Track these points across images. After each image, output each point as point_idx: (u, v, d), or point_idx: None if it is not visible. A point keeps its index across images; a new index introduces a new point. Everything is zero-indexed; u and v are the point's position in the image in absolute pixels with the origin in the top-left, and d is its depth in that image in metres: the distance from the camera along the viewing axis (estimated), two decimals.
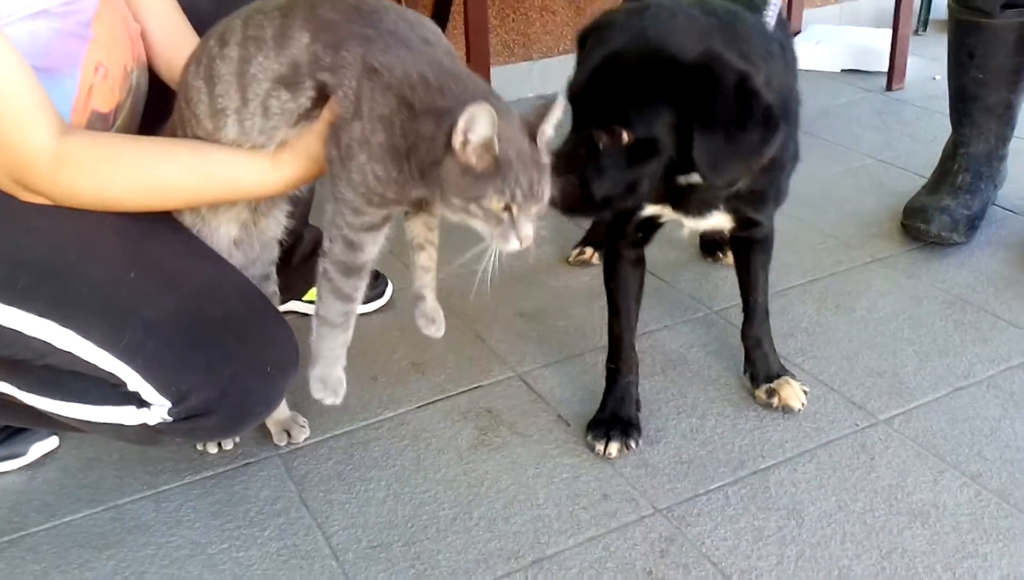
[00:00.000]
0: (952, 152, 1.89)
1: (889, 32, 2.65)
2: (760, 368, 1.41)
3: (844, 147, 2.29)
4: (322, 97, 0.98)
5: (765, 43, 1.09)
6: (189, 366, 1.03)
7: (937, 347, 1.51)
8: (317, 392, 1.09)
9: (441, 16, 2.49)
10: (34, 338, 1.01)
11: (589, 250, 1.82)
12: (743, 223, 1.28)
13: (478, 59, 2.15)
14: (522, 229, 0.94)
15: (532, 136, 0.94)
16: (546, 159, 0.96)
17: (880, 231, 1.88)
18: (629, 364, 1.35)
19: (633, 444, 1.30)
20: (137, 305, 1.02)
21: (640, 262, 1.35)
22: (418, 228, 1.14)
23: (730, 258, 1.69)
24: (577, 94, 1.07)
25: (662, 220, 1.27)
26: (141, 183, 1.05)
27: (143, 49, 1.20)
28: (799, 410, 1.37)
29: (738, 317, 1.61)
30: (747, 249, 1.38)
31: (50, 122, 0.99)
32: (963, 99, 1.85)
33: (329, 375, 1.09)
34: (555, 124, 0.95)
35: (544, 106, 0.95)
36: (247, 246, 1.18)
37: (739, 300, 1.64)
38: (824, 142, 2.33)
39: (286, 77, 0.98)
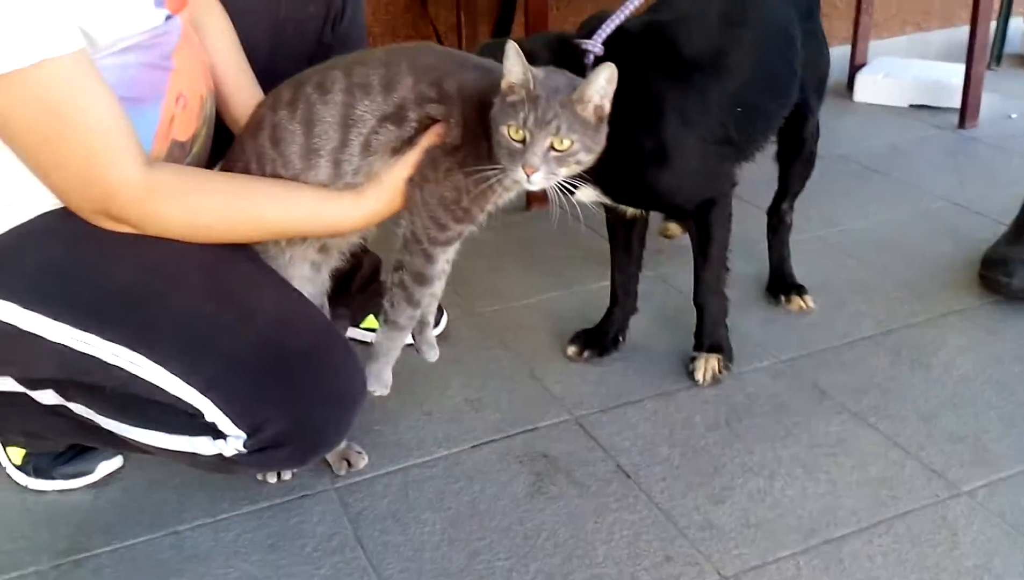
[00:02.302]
0: None
1: (960, 66, 2.56)
2: (697, 335, 1.53)
3: (915, 187, 2.21)
4: (422, 128, 1.08)
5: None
6: (265, 399, 1.03)
7: (1022, 413, 1.43)
8: (372, 385, 1.17)
9: (504, 23, 2.44)
10: (115, 366, 1.02)
11: (673, 225, 1.97)
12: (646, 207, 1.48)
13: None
14: (528, 156, 1.02)
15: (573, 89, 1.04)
16: (582, 110, 1.04)
17: (956, 280, 1.80)
18: (613, 297, 1.60)
19: (587, 353, 1.57)
20: (216, 337, 1.03)
21: (629, 221, 1.53)
22: None
23: (795, 303, 1.74)
24: None
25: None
26: (231, 214, 1.07)
27: (212, 79, 1.20)
28: (699, 382, 1.49)
29: (808, 368, 1.55)
30: (689, 228, 1.51)
31: (137, 154, 1.00)
32: None
33: (384, 372, 1.20)
34: (599, 88, 1.04)
35: (593, 72, 1.05)
36: (317, 279, 1.22)
37: (811, 349, 1.59)
38: (893, 181, 2.25)
39: (393, 115, 1.08)
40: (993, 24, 2.94)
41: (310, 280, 1.19)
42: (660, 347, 1.62)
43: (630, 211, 1.50)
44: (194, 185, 1.05)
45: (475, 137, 1.08)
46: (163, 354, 1.00)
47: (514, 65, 1.02)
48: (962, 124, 2.55)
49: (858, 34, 2.86)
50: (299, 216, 1.09)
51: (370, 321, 1.58)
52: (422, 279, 1.16)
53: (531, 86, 1.02)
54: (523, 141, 1.03)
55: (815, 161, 1.72)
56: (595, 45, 1.28)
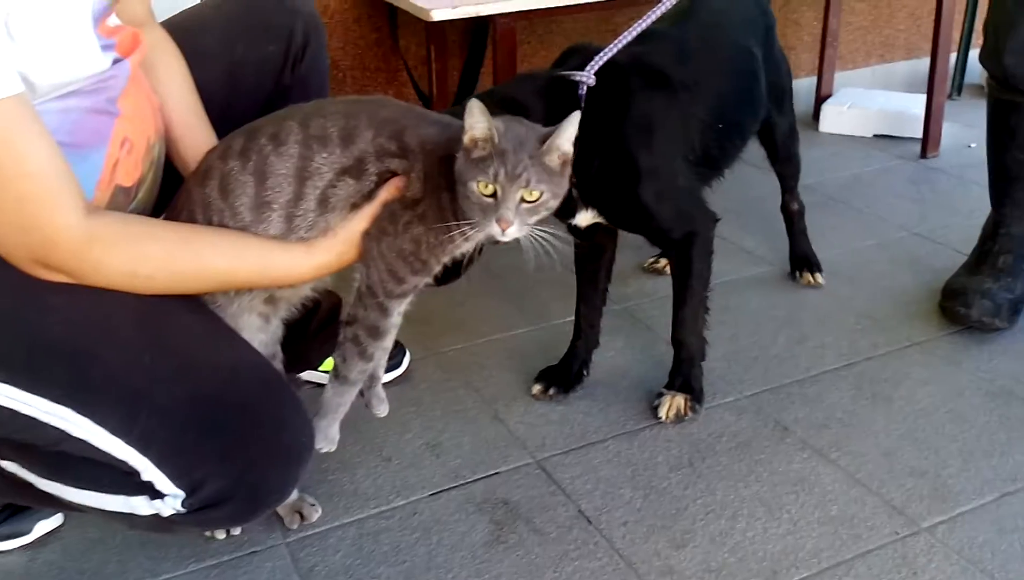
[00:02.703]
0: (992, 232, 1.82)
1: (923, 97, 2.59)
2: (671, 373, 1.54)
3: (878, 218, 2.23)
4: (381, 182, 1.07)
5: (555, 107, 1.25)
6: (203, 455, 0.99)
7: (981, 446, 1.43)
8: (319, 442, 1.15)
9: (470, 77, 2.46)
10: (48, 424, 0.98)
11: (663, 261, 1.97)
12: (635, 230, 1.49)
13: None
14: (500, 210, 1.02)
15: (543, 141, 1.04)
16: (549, 160, 1.04)
17: (918, 311, 1.81)
18: (578, 332, 1.62)
19: (552, 391, 1.57)
20: (152, 391, 0.99)
21: (597, 254, 1.58)
22: None
23: (805, 278, 1.94)
24: None
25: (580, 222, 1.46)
26: (174, 263, 1.04)
27: (162, 122, 1.18)
28: (663, 419, 1.50)
29: (771, 404, 1.55)
30: (670, 260, 1.57)
31: (77, 201, 0.97)
32: (1004, 179, 1.79)
33: (331, 427, 1.18)
34: (569, 138, 1.05)
35: (563, 122, 1.06)
36: (268, 328, 1.19)
37: (774, 384, 1.59)
38: (857, 212, 2.27)
39: (352, 168, 1.07)
40: (954, 56, 2.99)
41: (260, 329, 1.17)
42: (625, 383, 1.62)
43: (602, 236, 1.53)
44: (136, 233, 1.02)
45: (436, 191, 1.08)
46: (97, 410, 0.97)
47: (478, 120, 1.02)
48: (924, 154, 2.58)
49: (823, 66, 2.89)
50: (246, 267, 1.07)
51: (328, 363, 1.56)
52: (376, 333, 1.15)
53: (496, 140, 1.02)
54: (494, 195, 1.03)
55: (799, 158, 1.89)
56: (588, 77, 1.33)
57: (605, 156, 1.35)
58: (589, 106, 1.32)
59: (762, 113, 1.65)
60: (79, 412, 0.96)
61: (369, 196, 1.08)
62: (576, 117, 1.06)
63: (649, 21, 1.40)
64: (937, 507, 1.30)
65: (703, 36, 1.51)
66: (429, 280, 1.15)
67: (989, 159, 1.82)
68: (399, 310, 1.16)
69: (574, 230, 1.48)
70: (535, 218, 1.06)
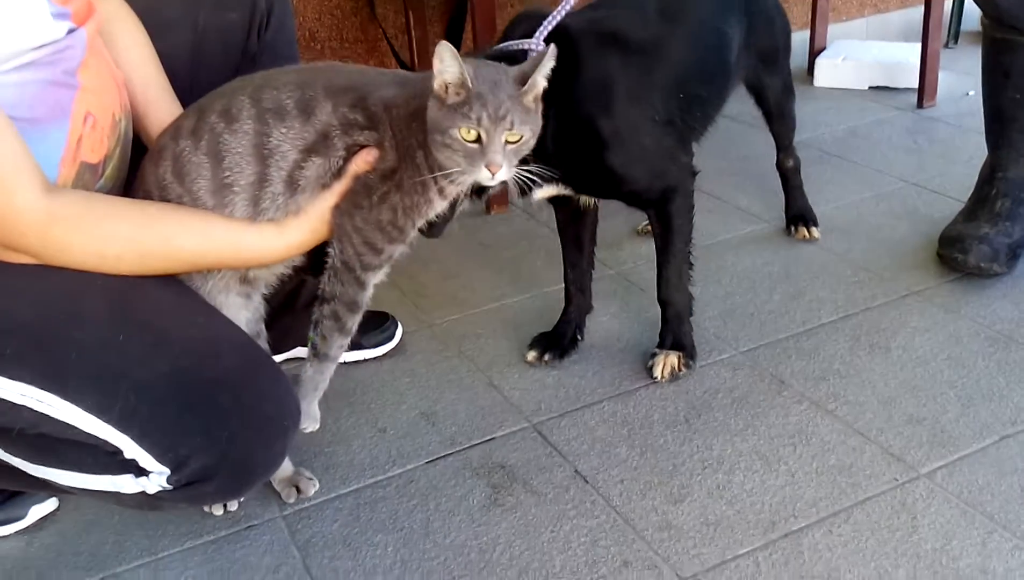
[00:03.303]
0: (989, 176, 1.79)
1: (919, 46, 2.55)
2: (661, 333, 1.53)
3: (875, 170, 2.20)
4: (350, 156, 1.05)
5: None
6: (185, 430, 0.98)
7: (980, 390, 1.42)
8: (303, 421, 1.13)
9: (456, 27, 2.43)
10: (24, 407, 0.97)
11: None
12: (608, 195, 1.47)
13: None
14: (489, 155, 1.00)
15: (522, 82, 1.03)
16: (527, 100, 1.03)
17: (915, 261, 1.79)
18: (571, 300, 1.60)
19: (547, 357, 1.55)
20: (128, 368, 0.98)
21: (578, 217, 1.55)
22: None
23: (800, 232, 1.92)
24: None
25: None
26: (141, 243, 1.02)
27: (127, 96, 1.16)
28: (657, 379, 1.49)
29: (767, 359, 1.53)
30: (650, 219, 1.50)
31: (33, 180, 0.95)
32: (999, 120, 1.76)
33: (312, 406, 1.17)
34: (546, 73, 1.05)
35: (538, 56, 1.05)
36: (250, 305, 1.18)
37: (770, 339, 1.58)
38: (853, 165, 2.24)
39: (317, 145, 1.04)
40: (949, 2, 2.94)
41: (243, 306, 1.15)
42: (619, 346, 1.61)
43: (583, 200, 1.50)
44: (101, 212, 1.01)
45: (410, 153, 1.06)
46: (73, 390, 0.95)
47: (450, 65, 0.99)
48: (920, 104, 2.55)
49: (816, 19, 2.85)
50: (215, 246, 1.05)
51: None
52: (355, 307, 1.13)
53: (470, 83, 0.99)
54: (477, 140, 1.00)
55: (792, 117, 1.85)
56: (537, 43, 1.28)
57: (563, 125, 1.28)
58: None
59: (727, 91, 1.59)
60: (55, 394, 0.95)
61: (339, 172, 1.05)
62: (554, 51, 1.04)
63: None
64: (936, 453, 1.29)
65: (665, 7, 1.46)
66: (405, 247, 1.13)
67: (984, 101, 1.79)
68: (374, 282, 1.14)
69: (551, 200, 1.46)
70: (518, 158, 1.05)
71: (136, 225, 1.02)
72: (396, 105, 1.05)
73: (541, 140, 1.25)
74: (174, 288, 1.08)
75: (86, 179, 1.06)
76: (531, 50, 1.28)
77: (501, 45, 1.33)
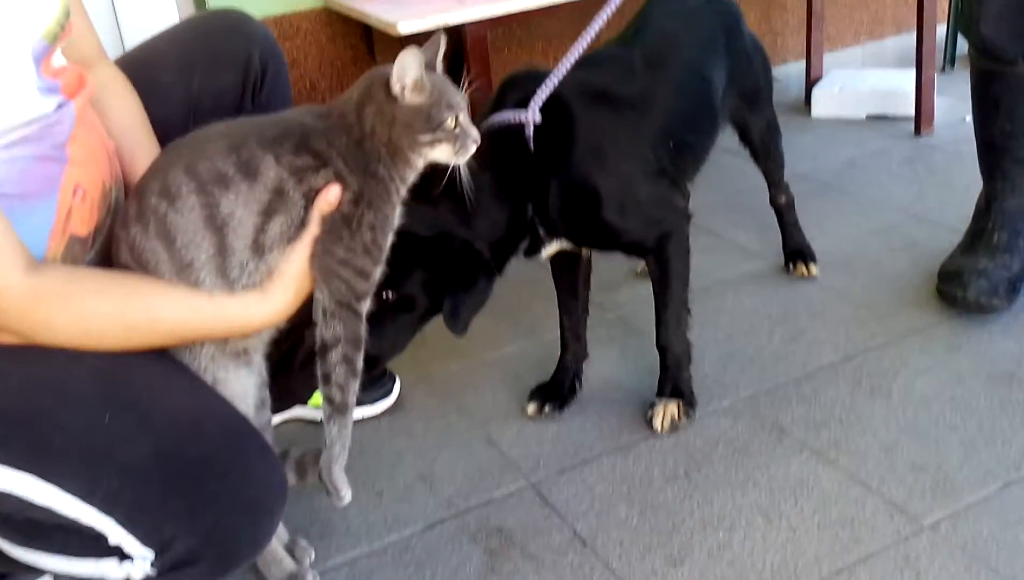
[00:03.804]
0: (985, 208, 1.78)
1: (915, 73, 2.55)
2: (660, 381, 1.51)
3: (873, 202, 2.19)
4: (311, 202, 1.03)
5: (503, 158, 1.32)
6: (170, 513, 0.96)
7: (983, 433, 1.40)
8: (343, 494, 1.12)
9: (453, 75, 2.44)
10: (9, 493, 0.95)
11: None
12: (610, 247, 1.50)
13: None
14: (472, 132, 1.06)
15: (435, 68, 1.08)
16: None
17: (915, 297, 1.77)
18: (564, 345, 1.60)
19: (547, 408, 1.55)
20: (113, 450, 0.96)
21: (572, 264, 1.57)
22: None
23: (799, 269, 1.91)
24: None
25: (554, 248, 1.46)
26: (125, 317, 1.01)
27: (119, 165, 1.16)
28: (657, 431, 1.47)
29: (767, 405, 1.52)
30: (648, 265, 1.50)
31: (17, 259, 0.94)
32: (992, 151, 1.75)
33: (342, 473, 1.12)
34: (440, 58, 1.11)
35: (432, 43, 1.09)
36: (251, 371, 1.14)
37: (770, 384, 1.56)
38: (852, 197, 2.23)
39: (274, 203, 1.02)
40: (944, 27, 2.94)
41: (246, 375, 1.13)
42: (619, 394, 1.60)
43: (584, 252, 1.53)
44: (84, 289, 0.99)
45: (371, 170, 1.06)
46: (58, 474, 0.94)
47: (416, 68, 1.02)
48: (918, 131, 2.54)
49: (811, 49, 2.85)
50: (200, 318, 1.03)
51: (317, 399, 1.55)
52: (360, 342, 1.11)
53: (427, 82, 1.03)
54: (455, 124, 1.05)
55: (780, 154, 1.85)
56: (533, 114, 1.32)
57: (563, 188, 1.34)
58: (539, 141, 1.33)
59: (715, 135, 1.63)
60: (40, 477, 0.94)
61: (302, 222, 1.04)
62: (443, 38, 1.10)
63: (581, 48, 1.37)
64: (939, 503, 1.28)
65: (649, 58, 1.49)
66: (383, 267, 1.12)
67: (976, 132, 1.78)
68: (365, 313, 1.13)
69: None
70: None
71: (119, 300, 1.01)
72: (335, 135, 1.06)
73: (544, 201, 1.33)
74: (161, 363, 1.06)
75: (75, 251, 1.06)
76: (527, 123, 1.31)
77: (496, 117, 1.35)
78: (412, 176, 1.09)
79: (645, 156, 1.42)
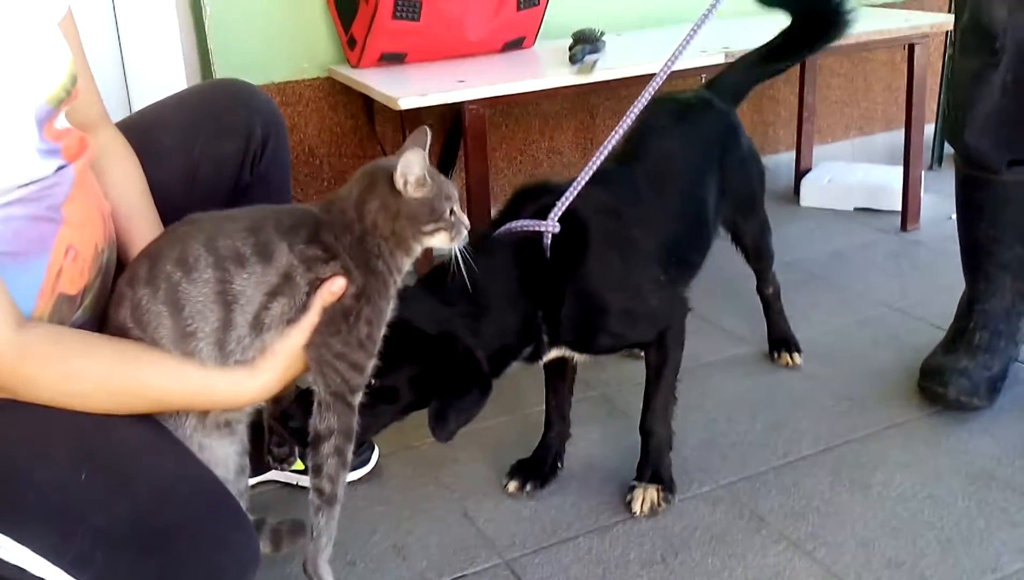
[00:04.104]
0: (968, 309, 1.81)
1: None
2: (640, 465, 1.52)
3: (858, 294, 2.22)
4: (313, 290, 1.07)
5: (513, 269, 1.36)
6: (140, 578, 0.95)
7: (960, 533, 1.40)
8: (326, 577, 1.14)
9: (448, 160, 2.49)
10: None
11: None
12: (609, 350, 1.54)
13: (479, 204, 2.12)
14: (464, 218, 1.13)
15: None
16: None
17: (897, 391, 1.79)
18: (549, 424, 1.60)
19: (528, 487, 1.54)
20: (87, 511, 0.95)
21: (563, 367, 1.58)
22: None
23: (783, 358, 1.93)
24: None
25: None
26: (111, 381, 1.02)
27: (113, 227, 1.17)
28: (636, 514, 1.47)
29: (747, 493, 1.52)
30: (645, 354, 1.54)
31: (7, 316, 0.95)
32: (976, 254, 1.78)
33: (327, 565, 1.15)
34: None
35: (419, 135, 1.14)
36: (234, 438, 1.14)
37: (750, 472, 1.56)
38: (837, 289, 2.26)
39: (281, 286, 1.05)
40: (932, 126, 3.02)
41: (228, 443, 1.13)
42: (599, 475, 1.59)
43: None
44: (73, 349, 1.00)
45: (371, 266, 1.09)
46: (27, 533, 0.93)
47: (420, 166, 1.08)
48: (904, 227, 2.59)
49: (802, 140, 2.92)
50: (186, 389, 1.04)
51: (299, 464, 1.54)
52: (351, 434, 1.13)
53: (429, 177, 1.09)
54: (451, 213, 1.12)
55: (770, 252, 1.89)
56: (553, 225, 1.36)
57: (576, 297, 1.37)
58: (554, 252, 1.37)
59: (708, 249, 1.67)
60: (8, 535, 0.93)
61: (303, 307, 1.06)
62: (427, 132, 1.14)
63: (596, 164, 1.41)
64: None
65: (651, 179, 1.54)
66: (376, 360, 1.14)
67: (960, 235, 1.82)
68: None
69: None
70: None
71: (107, 363, 1.01)
72: (340, 228, 1.09)
73: (556, 309, 1.37)
74: (140, 425, 1.06)
75: (63, 310, 1.06)
76: (545, 232, 1.35)
77: (516, 224, 1.38)
78: (409, 264, 1.13)
79: (651, 271, 1.46)
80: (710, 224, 1.64)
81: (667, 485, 1.50)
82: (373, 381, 1.21)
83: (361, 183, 1.11)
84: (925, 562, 1.34)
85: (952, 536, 1.39)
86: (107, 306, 1.10)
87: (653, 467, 1.50)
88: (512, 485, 1.55)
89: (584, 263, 1.38)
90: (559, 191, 1.39)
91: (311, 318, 1.07)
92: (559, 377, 1.59)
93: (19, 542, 0.93)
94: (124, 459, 1.01)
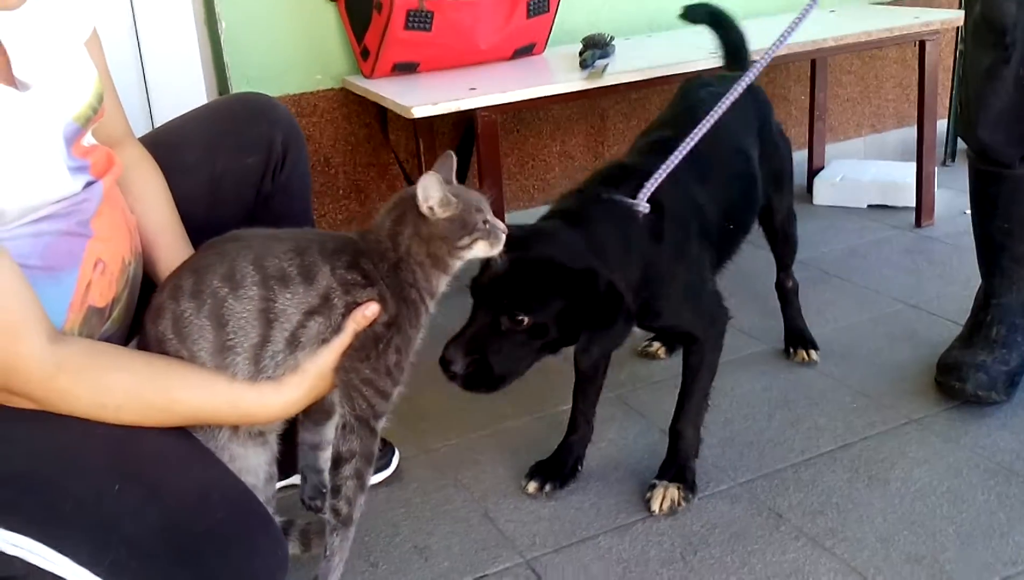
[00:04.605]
0: (984, 303, 1.81)
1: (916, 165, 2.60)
2: (665, 464, 1.53)
3: (873, 291, 2.22)
4: (347, 313, 1.10)
5: (626, 236, 1.40)
6: None
7: (980, 527, 1.40)
8: None
9: (461, 166, 2.51)
10: (15, 557, 0.97)
11: (657, 344, 2.00)
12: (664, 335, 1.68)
13: (493, 208, 2.14)
14: (499, 224, 1.14)
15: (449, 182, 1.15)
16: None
17: (914, 388, 1.79)
18: (574, 426, 1.61)
19: (548, 487, 1.55)
20: (121, 520, 0.98)
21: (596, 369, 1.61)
22: None
23: (799, 355, 1.93)
24: (486, 287, 1.33)
25: None
26: (143, 395, 1.04)
27: (139, 240, 1.20)
28: (655, 512, 1.48)
29: (765, 491, 1.53)
30: (686, 353, 1.57)
31: (44, 328, 0.98)
32: (990, 249, 1.79)
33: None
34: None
35: (445, 160, 1.17)
36: (266, 450, 1.18)
37: (768, 470, 1.57)
38: (853, 286, 2.26)
39: (318, 308, 1.08)
40: (944, 122, 3.02)
41: (261, 452, 1.16)
42: (617, 475, 1.60)
43: None
44: (105, 363, 1.03)
45: (405, 295, 1.12)
46: (65, 542, 0.95)
47: (438, 191, 1.09)
48: (918, 223, 2.59)
49: (814, 139, 2.92)
50: (215, 403, 1.07)
51: None
52: (372, 458, 1.15)
53: (453, 195, 1.10)
54: (485, 222, 1.13)
55: (795, 239, 1.93)
56: (644, 206, 1.41)
57: (648, 273, 1.41)
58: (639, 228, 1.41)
59: (759, 207, 1.73)
60: (47, 544, 0.95)
61: (338, 328, 1.09)
62: (453, 157, 1.18)
63: (687, 148, 1.44)
64: None
65: (709, 146, 1.54)
66: (403, 387, 1.16)
67: (975, 229, 1.82)
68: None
69: None
70: None
71: (139, 378, 1.04)
72: (378, 259, 1.12)
73: (633, 280, 1.39)
74: (172, 435, 1.08)
75: (92, 322, 1.09)
76: (640, 209, 1.40)
77: (615, 197, 1.42)
78: (445, 283, 1.16)
79: (714, 249, 1.53)
80: (758, 192, 1.69)
81: (689, 485, 1.51)
82: (524, 319, 1.29)
83: (392, 214, 1.13)
84: (945, 556, 1.34)
85: (972, 530, 1.39)
86: (143, 317, 1.13)
87: (679, 467, 1.52)
88: (532, 486, 1.57)
89: (660, 241, 1.42)
90: (643, 172, 1.43)
91: (343, 339, 1.09)
92: (590, 381, 1.61)
93: (55, 550, 0.95)
94: (155, 468, 1.03)
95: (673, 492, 1.49)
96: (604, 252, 1.36)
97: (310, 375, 1.09)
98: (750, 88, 1.76)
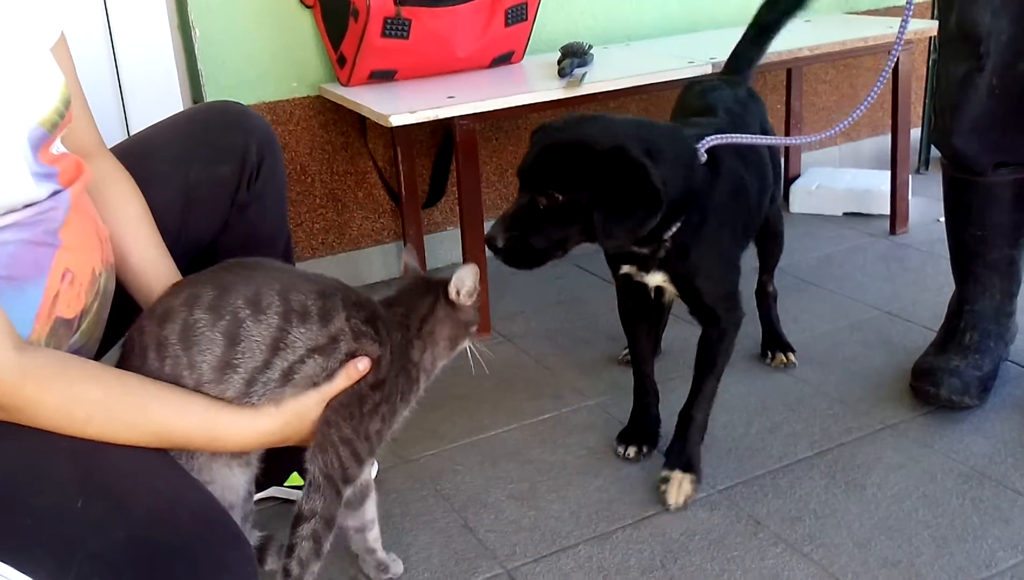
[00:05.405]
0: (957, 309, 1.83)
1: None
2: (674, 451, 1.56)
3: (849, 298, 2.24)
4: (347, 360, 1.11)
5: (680, 154, 1.43)
6: None
7: (955, 531, 1.41)
8: None
9: (439, 175, 2.51)
10: None
11: None
12: (691, 301, 1.57)
13: (471, 217, 2.14)
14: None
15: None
16: None
17: (889, 393, 1.80)
18: (645, 390, 1.69)
19: (645, 449, 1.64)
20: (85, 536, 0.95)
21: (648, 310, 1.67)
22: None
23: (777, 359, 1.95)
24: (526, 170, 1.41)
25: (636, 279, 1.57)
26: (112, 409, 1.02)
27: (111, 252, 1.18)
28: (671, 507, 1.50)
29: (744, 497, 1.53)
30: (703, 338, 1.60)
31: (6, 338, 0.95)
32: (964, 255, 1.81)
33: None
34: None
35: (409, 249, 1.28)
36: (250, 470, 1.18)
37: (747, 476, 1.58)
38: (828, 293, 2.28)
39: (323, 347, 1.10)
40: (918, 130, 3.05)
41: (242, 472, 1.15)
42: (597, 483, 1.60)
43: (667, 296, 1.62)
44: (75, 374, 1.01)
45: (404, 367, 1.16)
46: (27, 560, 0.92)
47: (473, 283, 1.20)
48: (893, 230, 2.61)
49: (790, 148, 2.95)
50: (187, 423, 1.05)
51: (294, 478, 1.55)
52: (332, 524, 1.15)
53: (477, 287, 1.21)
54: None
55: (783, 238, 1.98)
56: (702, 153, 1.46)
57: (693, 232, 1.45)
58: (693, 176, 1.44)
59: (768, 199, 1.77)
60: (6, 562, 0.92)
61: (331, 374, 1.10)
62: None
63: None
64: None
65: (750, 149, 1.61)
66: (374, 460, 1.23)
67: (949, 236, 1.84)
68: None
69: (630, 287, 1.60)
70: None
71: (110, 391, 1.02)
72: (394, 328, 1.17)
73: (661, 230, 1.42)
74: (140, 449, 1.05)
75: (60, 334, 1.07)
76: (700, 152, 1.45)
77: (686, 131, 1.49)
78: (444, 363, 1.23)
79: (746, 230, 1.60)
80: (770, 173, 1.73)
81: (698, 476, 1.54)
82: (558, 197, 1.35)
83: (422, 299, 1.21)
84: (921, 560, 1.36)
85: (947, 534, 1.41)
86: (141, 317, 1.11)
87: (688, 455, 1.54)
88: (631, 451, 1.64)
89: (708, 204, 1.46)
90: (716, 126, 1.50)
91: (333, 386, 1.10)
92: (648, 341, 1.70)
93: (14, 567, 0.92)
94: (121, 483, 1.01)
95: (687, 485, 1.52)
96: (655, 151, 1.37)
97: (288, 410, 1.09)
98: (748, 90, 1.81)
